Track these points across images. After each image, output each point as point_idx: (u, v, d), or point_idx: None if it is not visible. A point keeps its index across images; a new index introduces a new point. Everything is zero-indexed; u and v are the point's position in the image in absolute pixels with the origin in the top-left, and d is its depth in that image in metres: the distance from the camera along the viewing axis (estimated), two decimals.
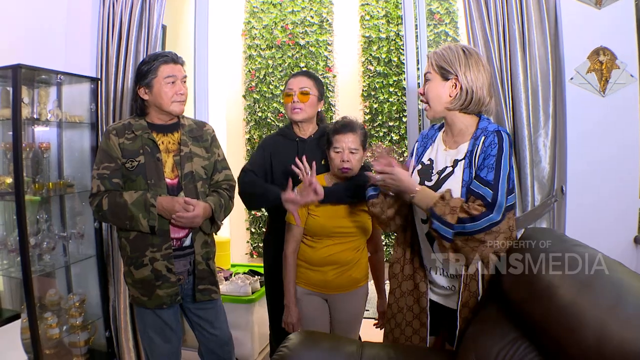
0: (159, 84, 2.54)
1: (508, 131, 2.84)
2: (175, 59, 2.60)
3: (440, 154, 2.24)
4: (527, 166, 2.86)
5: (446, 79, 2.15)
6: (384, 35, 6.24)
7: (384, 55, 6.24)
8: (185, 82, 2.63)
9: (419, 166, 2.30)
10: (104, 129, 3.39)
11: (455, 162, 2.15)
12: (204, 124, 2.85)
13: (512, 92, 2.91)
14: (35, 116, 3.25)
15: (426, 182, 2.20)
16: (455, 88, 2.14)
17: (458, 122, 2.20)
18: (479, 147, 2.08)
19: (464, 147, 2.16)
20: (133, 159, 2.54)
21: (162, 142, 2.61)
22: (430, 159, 2.27)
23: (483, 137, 2.08)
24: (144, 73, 2.55)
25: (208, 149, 2.74)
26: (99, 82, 3.48)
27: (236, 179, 2.86)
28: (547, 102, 2.91)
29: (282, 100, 2.87)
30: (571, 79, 2.92)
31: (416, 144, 2.39)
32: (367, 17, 6.32)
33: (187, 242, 2.64)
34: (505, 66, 2.92)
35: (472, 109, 2.16)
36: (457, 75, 2.13)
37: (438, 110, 2.20)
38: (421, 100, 2.28)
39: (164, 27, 4.14)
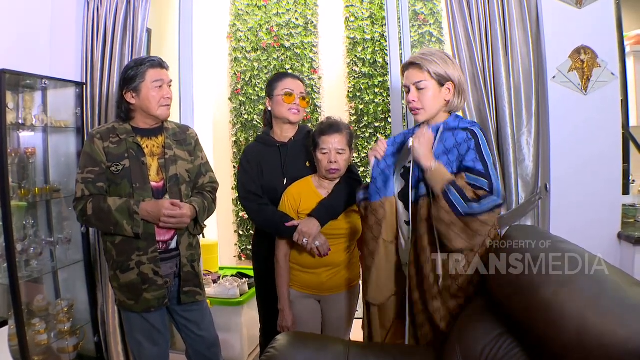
0: (146, 88, 2.54)
1: (491, 129, 2.90)
2: (161, 64, 2.61)
3: None
4: (511, 164, 2.88)
5: (442, 85, 2.24)
6: (368, 37, 6.26)
7: (369, 57, 6.25)
8: (170, 86, 2.64)
9: (402, 170, 2.39)
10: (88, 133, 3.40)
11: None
12: (187, 128, 2.85)
13: (495, 91, 2.94)
14: (20, 121, 3.24)
15: (407, 165, 2.30)
16: (450, 92, 2.25)
17: (439, 121, 2.31)
18: (447, 139, 2.22)
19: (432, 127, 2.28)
20: (118, 163, 2.53)
21: (147, 146, 2.61)
22: (410, 161, 2.31)
23: (452, 134, 2.22)
24: (131, 77, 2.54)
25: (192, 153, 2.75)
26: (84, 86, 3.47)
27: (239, 202, 2.94)
28: (529, 100, 2.93)
29: (281, 98, 2.84)
30: (553, 77, 2.95)
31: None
32: (352, 19, 6.33)
33: (173, 244, 2.64)
34: (488, 66, 2.95)
35: (458, 107, 2.31)
36: (452, 80, 2.23)
37: (433, 113, 2.28)
38: (413, 107, 2.29)
39: (148, 31, 4.13)
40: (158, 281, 2.56)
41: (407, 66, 2.31)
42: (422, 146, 2.15)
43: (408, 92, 2.30)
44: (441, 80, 2.23)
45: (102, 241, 2.71)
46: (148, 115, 2.60)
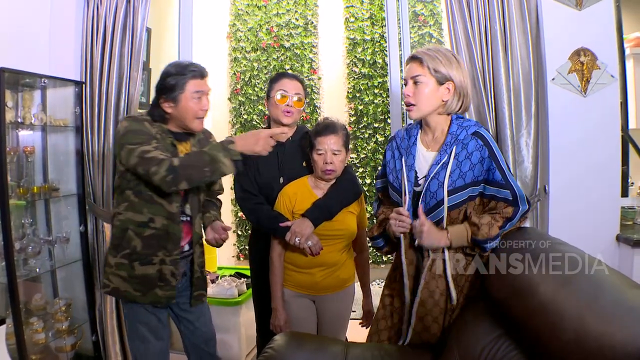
0: (185, 99, 2.43)
1: (490, 130, 2.89)
2: (203, 73, 2.49)
3: (423, 157, 2.26)
4: (510, 166, 2.87)
5: (441, 83, 2.15)
6: (368, 37, 6.25)
7: (368, 57, 6.25)
8: (208, 95, 2.53)
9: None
10: (93, 130, 3.41)
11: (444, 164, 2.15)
12: (210, 135, 2.82)
13: (495, 93, 2.93)
14: (19, 120, 3.23)
15: (415, 188, 2.21)
16: (449, 92, 2.16)
17: (442, 122, 2.23)
18: (460, 153, 2.13)
19: (443, 149, 2.18)
20: None
21: (179, 150, 2.55)
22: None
23: (462, 146, 2.13)
24: (171, 86, 2.42)
25: None
26: (84, 85, 3.47)
27: (235, 198, 2.95)
28: (529, 102, 2.93)
29: (275, 99, 2.83)
30: (553, 79, 2.95)
31: (403, 160, 2.28)
32: (352, 19, 6.33)
33: (186, 247, 2.64)
34: (488, 67, 2.94)
35: (460, 110, 2.23)
36: (453, 80, 2.15)
37: (427, 112, 2.19)
38: (407, 102, 2.21)
39: (148, 30, 4.13)
40: (172, 282, 2.55)
41: (409, 60, 2.23)
42: (429, 236, 2.10)
43: (406, 85, 2.23)
44: (440, 79, 2.14)
45: (117, 229, 2.56)
46: (182, 124, 2.52)
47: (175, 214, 2.51)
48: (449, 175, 2.11)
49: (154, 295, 2.53)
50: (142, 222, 2.49)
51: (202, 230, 2.73)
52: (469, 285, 2.21)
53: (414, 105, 2.18)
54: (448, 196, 2.11)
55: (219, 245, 2.72)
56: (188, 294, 2.71)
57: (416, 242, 2.14)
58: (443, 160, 2.13)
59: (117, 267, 2.54)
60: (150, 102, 2.56)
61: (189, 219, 2.62)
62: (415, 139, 2.29)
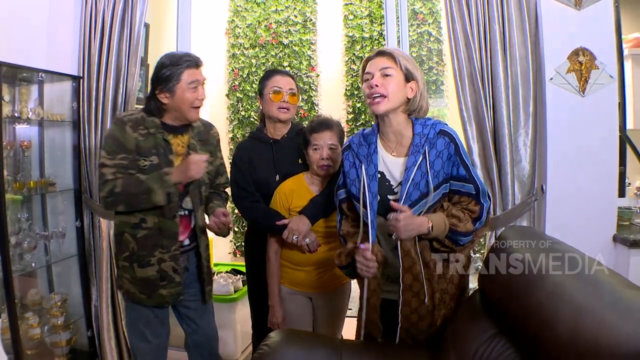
0: (181, 89, 2.46)
1: (488, 129, 2.88)
2: (197, 62, 2.52)
3: (391, 164, 2.20)
4: (508, 165, 2.88)
5: (408, 80, 2.15)
6: (367, 35, 6.24)
7: (367, 55, 6.24)
8: (204, 84, 2.56)
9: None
10: (90, 125, 3.40)
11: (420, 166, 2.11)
12: (211, 127, 2.82)
13: (493, 92, 2.92)
14: (16, 114, 3.23)
15: (389, 196, 2.17)
16: (413, 91, 2.16)
17: (403, 123, 2.20)
18: (430, 153, 2.10)
19: (414, 149, 2.13)
20: (146, 158, 2.47)
21: (173, 144, 2.56)
22: (380, 172, 2.21)
23: (431, 145, 2.10)
24: (166, 77, 2.45)
25: (212, 153, 2.73)
26: (81, 80, 3.46)
27: (231, 194, 2.93)
28: (527, 101, 2.92)
29: (269, 96, 2.82)
30: (551, 79, 2.94)
31: (363, 168, 2.20)
32: (351, 17, 6.31)
33: (187, 241, 2.66)
34: (486, 66, 2.93)
35: (414, 113, 2.21)
36: (416, 81, 2.16)
37: (395, 105, 2.14)
38: (377, 92, 2.11)
39: (146, 25, 4.11)
40: (176, 278, 2.56)
41: (374, 55, 2.21)
42: (407, 227, 2.00)
43: (368, 79, 2.16)
44: (408, 76, 2.14)
45: (116, 231, 2.62)
46: (179, 115, 2.54)
47: (167, 209, 2.50)
48: (427, 174, 2.09)
49: (159, 296, 2.55)
50: (135, 223, 2.52)
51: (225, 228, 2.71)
52: (460, 277, 2.22)
53: (384, 97, 2.11)
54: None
55: (221, 232, 2.66)
56: (193, 290, 2.72)
57: (393, 236, 2.07)
58: (419, 162, 2.09)
59: (124, 269, 2.58)
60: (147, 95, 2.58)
61: (187, 212, 2.62)
62: (375, 146, 2.22)
